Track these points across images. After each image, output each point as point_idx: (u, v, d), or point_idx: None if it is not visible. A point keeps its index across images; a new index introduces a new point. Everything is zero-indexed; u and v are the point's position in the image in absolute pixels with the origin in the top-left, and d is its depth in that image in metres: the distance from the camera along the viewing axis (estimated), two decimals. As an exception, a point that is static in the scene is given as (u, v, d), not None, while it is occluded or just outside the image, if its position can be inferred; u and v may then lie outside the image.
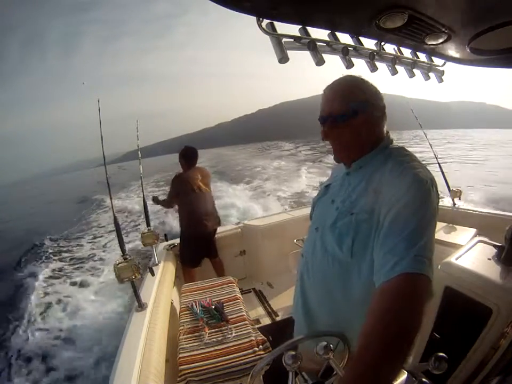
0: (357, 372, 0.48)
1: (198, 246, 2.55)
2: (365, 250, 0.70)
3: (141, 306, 1.51)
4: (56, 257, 6.62)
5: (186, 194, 2.54)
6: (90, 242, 7.65)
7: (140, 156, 2.71)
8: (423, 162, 0.75)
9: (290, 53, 0.81)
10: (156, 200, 2.71)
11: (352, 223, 0.72)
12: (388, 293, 0.56)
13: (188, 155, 2.59)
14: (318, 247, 0.82)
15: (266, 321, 2.29)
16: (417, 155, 0.78)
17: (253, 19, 0.74)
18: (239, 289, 1.87)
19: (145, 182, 2.56)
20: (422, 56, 1.12)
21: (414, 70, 1.12)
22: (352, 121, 0.75)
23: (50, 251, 7.07)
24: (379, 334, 0.50)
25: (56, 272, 5.68)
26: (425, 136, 3.06)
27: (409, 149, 0.80)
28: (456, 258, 1.23)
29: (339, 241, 0.74)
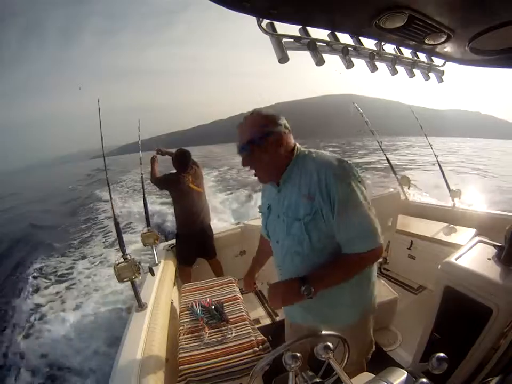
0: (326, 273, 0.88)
1: (191, 245, 2.56)
2: (320, 237, 0.89)
3: (141, 306, 1.51)
4: (50, 257, 6.60)
5: (178, 194, 2.57)
6: (87, 242, 7.62)
7: (140, 155, 2.72)
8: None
9: (290, 53, 0.81)
10: (153, 163, 2.69)
11: (302, 227, 0.89)
12: (363, 259, 0.88)
13: (180, 158, 2.62)
14: (285, 255, 0.98)
15: (266, 321, 2.29)
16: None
17: (252, 18, 0.73)
18: (239, 289, 1.87)
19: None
20: (422, 56, 1.11)
21: (414, 70, 1.12)
22: (269, 143, 0.88)
23: (44, 251, 7.05)
24: (354, 269, 0.89)
25: (53, 271, 5.66)
26: (426, 137, 3.09)
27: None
28: (456, 258, 1.23)
29: (299, 244, 0.92)
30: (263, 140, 0.87)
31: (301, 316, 1.07)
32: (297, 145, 0.95)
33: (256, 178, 0.96)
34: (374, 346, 1.24)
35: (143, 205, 2.59)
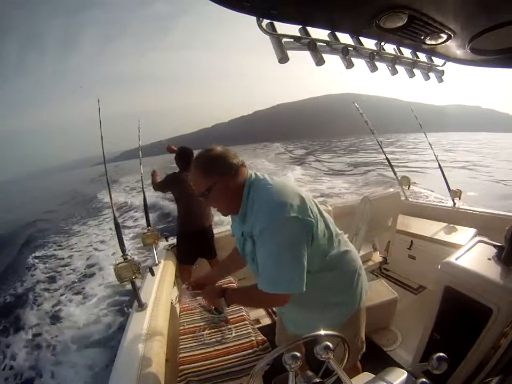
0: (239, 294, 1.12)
1: (191, 245, 2.55)
2: None
3: (141, 306, 1.51)
4: (50, 258, 6.62)
5: (181, 193, 2.56)
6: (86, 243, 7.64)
7: (140, 155, 2.72)
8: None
9: (290, 53, 0.81)
10: (153, 175, 2.72)
11: (252, 261, 1.05)
12: (264, 297, 0.99)
13: (183, 156, 2.61)
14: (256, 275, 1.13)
15: (266, 321, 2.29)
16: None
17: (251, 20, 0.73)
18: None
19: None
20: (422, 56, 1.11)
21: (414, 70, 1.12)
22: (215, 192, 0.97)
23: (45, 252, 7.08)
24: (256, 301, 1.11)
25: (52, 273, 5.67)
26: (426, 136, 3.08)
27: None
28: (456, 258, 1.23)
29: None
30: (209, 191, 0.97)
31: (293, 327, 1.21)
32: (248, 173, 1.02)
33: None
34: (364, 347, 1.24)
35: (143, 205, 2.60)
